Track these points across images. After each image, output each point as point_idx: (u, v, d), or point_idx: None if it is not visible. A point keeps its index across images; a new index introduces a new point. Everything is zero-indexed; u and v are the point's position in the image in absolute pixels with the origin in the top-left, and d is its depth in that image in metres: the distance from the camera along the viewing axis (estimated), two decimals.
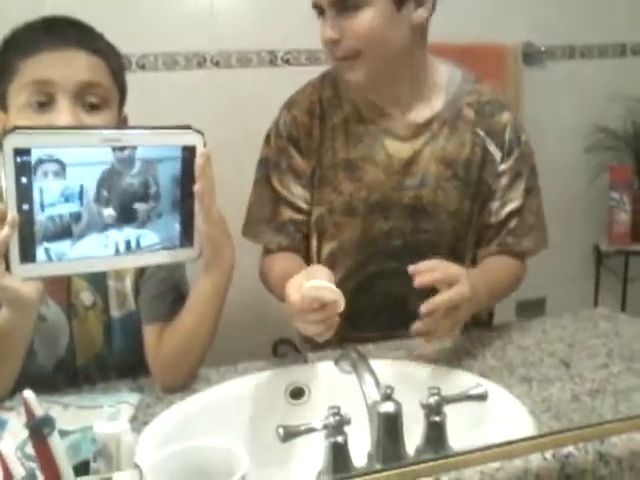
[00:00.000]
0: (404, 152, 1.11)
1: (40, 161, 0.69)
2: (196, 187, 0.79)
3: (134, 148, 0.74)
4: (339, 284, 1.14)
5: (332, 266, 1.10)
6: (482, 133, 1.11)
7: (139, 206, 0.77)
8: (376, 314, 1.12)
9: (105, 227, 0.75)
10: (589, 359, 1.00)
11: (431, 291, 0.90)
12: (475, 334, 1.09)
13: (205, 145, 0.79)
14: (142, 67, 1.89)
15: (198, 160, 0.79)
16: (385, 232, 1.13)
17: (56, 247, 0.72)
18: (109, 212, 0.75)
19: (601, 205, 2.42)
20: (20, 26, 0.94)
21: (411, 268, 0.87)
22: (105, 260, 0.76)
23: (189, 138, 0.78)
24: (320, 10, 1.04)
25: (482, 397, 0.74)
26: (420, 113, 1.12)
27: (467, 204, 1.12)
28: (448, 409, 0.73)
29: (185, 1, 1.94)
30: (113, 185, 0.74)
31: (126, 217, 0.76)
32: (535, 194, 1.15)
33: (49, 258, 0.73)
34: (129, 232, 0.77)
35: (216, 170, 0.82)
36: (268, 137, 1.17)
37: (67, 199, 0.72)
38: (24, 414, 0.57)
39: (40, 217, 0.71)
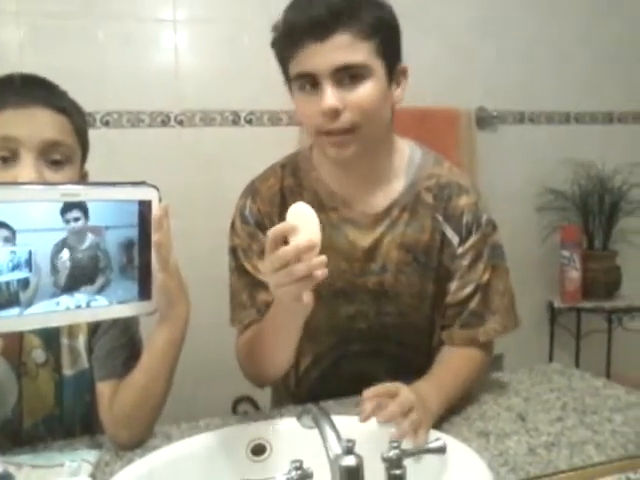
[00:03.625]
0: (365, 240, 1.10)
1: None
2: (154, 238, 0.80)
3: (85, 214, 0.74)
4: (308, 369, 1.14)
5: (301, 352, 1.11)
6: (440, 218, 1.10)
7: (92, 273, 0.76)
8: (342, 394, 1.08)
9: (55, 294, 0.73)
10: (544, 412, 1.02)
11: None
12: None
13: (161, 199, 0.80)
14: (106, 124, 1.92)
15: (155, 213, 0.79)
16: (350, 316, 1.12)
17: (5, 313, 0.70)
18: (60, 279, 0.74)
19: (553, 263, 2.50)
20: None
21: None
22: (60, 315, 0.75)
23: (145, 192, 0.79)
24: (311, 81, 0.99)
25: (441, 450, 0.75)
26: (380, 201, 1.10)
27: (429, 286, 1.12)
28: (408, 462, 0.74)
29: (150, 61, 1.99)
30: (64, 252, 0.74)
31: (78, 283, 0.75)
32: (500, 274, 1.12)
33: (17, 315, 0.71)
34: (80, 297, 0.75)
35: (177, 223, 0.83)
36: (233, 225, 1.15)
37: (16, 266, 0.70)
38: None
39: None
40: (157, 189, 0.80)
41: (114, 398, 0.95)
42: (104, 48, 1.92)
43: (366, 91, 0.98)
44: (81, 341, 1.01)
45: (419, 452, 0.74)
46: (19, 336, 0.97)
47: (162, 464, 0.85)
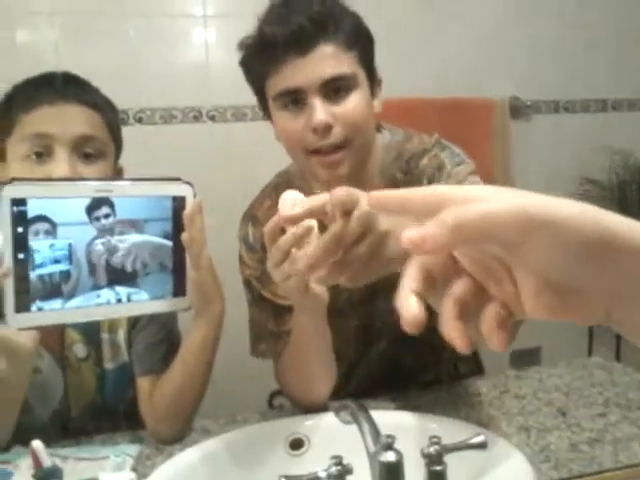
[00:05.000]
0: None
1: (32, 220, 0.70)
2: (185, 236, 0.79)
3: (119, 209, 0.75)
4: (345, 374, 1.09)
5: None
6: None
7: (130, 266, 0.77)
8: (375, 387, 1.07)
9: (95, 287, 0.75)
10: (586, 408, 1.00)
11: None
12: (470, 383, 1.09)
13: (195, 195, 0.81)
14: (139, 121, 1.93)
15: (187, 210, 0.80)
16: (370, 315, 1.09)
17: (48, 305, 0.72)
18: (99, 273, 0.75)
19: None
20: (21, 82, 0.98)
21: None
22: (99, 309, 0.76)
23: (179, 189, 0.80)
24: (294, 97, 0.93)
25: (481, 446, 0.74)
26: None
27: None
28: (449, 458, 0.73)
29: (182, 57, 2.00)
30: (101, 246, 0.75)
31: (115, 278, 0.76)
32: None
33: (61, 308, 0.73)
34: (120, 290, 0.77)
35: (209, 219, 0.83)
36: (241, 257, 1.09)
37: (57, 259, 0.72)
38: (27, 465, 0.57)
39: (32, 276, 0.71)
40: (191, 185, 0.80)
41: (153, 393, 0.96)
42: (136, 45, 1.93)
43: (355, 103, 0.93)
44: (121, 335, 1.02)
45: (460, 448, 0.73)
46: (60, 331, 0.99)
47: (201, 458, 0.86)
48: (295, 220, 0.70)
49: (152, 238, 0.78)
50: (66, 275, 0.73)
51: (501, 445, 0.84)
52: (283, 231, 0.76)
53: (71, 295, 0.74)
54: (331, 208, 0.65)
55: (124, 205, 0.76)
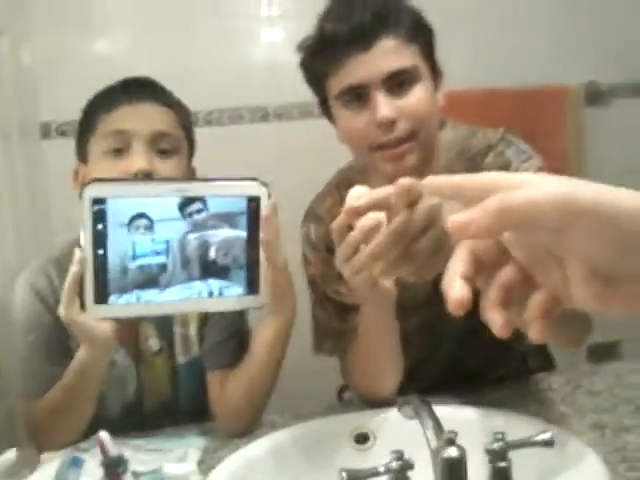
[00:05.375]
0: None
1: (133, 217, 0.75)
2: (261, 236, 0.81)
3: (205, 203, 0.78)
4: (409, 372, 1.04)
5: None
6: None
7: (217, 259, 0.80)
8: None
9: (189, 279, 0.79)
10: None
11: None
12: (542, 378, 1.06)
13: (270, 196, 0.82)
14: (208, 123, 1.98)
15: (263, 210, 0.81)
16: (435, 317, 1.04)
17: (145, 295, 0.77)
18: (192, 264, 0.79)
19: None
20: (102, 88, 1.05)
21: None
22: (172, 305, 0.80)
23: (254, 189, 0.81)
24: (356, 94, 0.93)
25: (548, 443, 0.72)
26: None
27: None
28: (515, 456, 0.71)
29: (248, 57, 2.04)
30: (192, 242, 0.79)
31: (207, 270, 0.80)
32: None
33: (137, 302, 0.77)
34: (213, 283, 0.80)
35: (280, 219, 0.83)
36: (305, 256, 1.09)
37: (155, 252, 0.77)
38: (99, 454, 0.60)
39: (132, 266, 0.76)
40: (266, 186, 0.81)
41: (223, 388, 0.98)
42: (203, 48, 1.98)
43: (419, 96, 0.93)
44: (193, 330, 1.06)
45: (525, 444, 0.71)
46: (135, 326, 1.04)
47: (267, 451, 0.88)
48: (360, 212, 0.69)
49: (233, 235, 0.81)
50: (162, 267, 0.77)
51: (572, 443, 0.81)
52: (351, 228, 0.76)
53: (167, 285, 0.78)
54: (395, 200, 0.65)
55: (215, 201, 0.79)
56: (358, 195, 0.73)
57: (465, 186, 0.36)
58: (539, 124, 1.86)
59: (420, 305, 1.04)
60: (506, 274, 0.37)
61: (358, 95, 0.93)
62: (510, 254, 0.37)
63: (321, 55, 0.94)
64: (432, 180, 0.39)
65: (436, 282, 1.01)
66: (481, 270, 0.38)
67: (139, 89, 1.03)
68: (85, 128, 1.02)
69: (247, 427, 0.97)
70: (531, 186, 0.33)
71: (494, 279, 0.37)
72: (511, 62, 2.10)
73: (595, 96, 2.23)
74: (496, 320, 0.35)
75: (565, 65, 2.18)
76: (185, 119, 1.06)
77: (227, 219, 0.80)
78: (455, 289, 0.36)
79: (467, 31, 2.04)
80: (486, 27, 2.09)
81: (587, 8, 2.21)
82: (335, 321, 1.05)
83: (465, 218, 0.33)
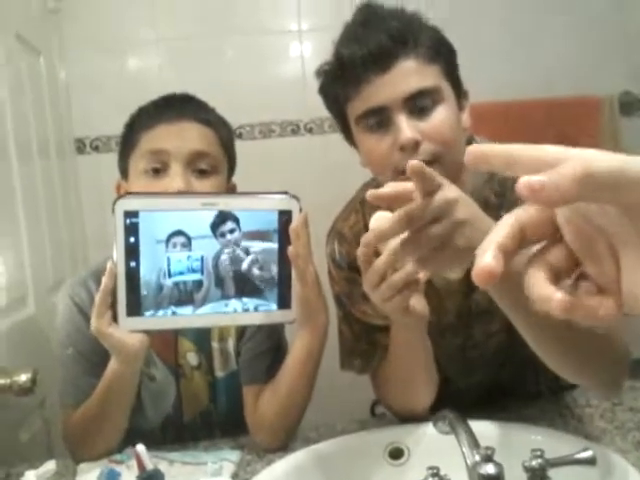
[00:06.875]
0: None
1: (171, 235, 0.76)
2: (290, 250, 0.80)
3: (237, 222, 0.79)
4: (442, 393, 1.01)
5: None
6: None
7: (251, 276, 0.81)
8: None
9: (224, 296, 0.80)
10: None
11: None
12: (579, 394, 1.04)
13: (301, 210, 0.82)
14: (239, 136, 2.00)
15: (293, 224, 0.81)
16: (460, 346, 1.05)
17: (180, 311, 0.78)
18: (226, 282, 0.80)
19: None
20: (144, 105, 1.05)
21: None
22: (203, 317, 0.80)
23: (286, 203, 0.81)
24: (378, 118, 0.90)
25: (590, 461, 0.70)
26: None
27: None
28: (555, 474, 0.69)
29: (278, 72, 2.06)
30: (226, 259, 0.80)
31: (240, 287, 0.80)
32: None
33: (165, 315, 0.78)
34: (247, 301, 0.81)
35: (311, 233, 0.83)
36: (330, 273, 1.07)
37: (192, 269, 0.78)
38: (135, 467, 0.60)
39: (167, 283, 0.78)
40: (297, 200, 0.81)
41: (257, 403, 0.98)
42: (233, 63, 2.01)
43: (442, 117, 0.90)
44: (230, 344, 1.06)
45: (566, 462, 0.70)
46: (174, 341, 1.05)
47: (301, 466, 0.87)
48: (383, 237, 0.69)
49: (265, 251, 0.81)
50: (198, 284, 0.78)
51: (616, 462, 0.79)
52: (377, 253, 0.75)
53: (201, 303, 0.79)
54: (413, 185, 0.66)
55: (247, 218, 0.79)
56: (380, 222, 0.71)
57: (521, 157, 0.33)
58: (573, 134, 1.83)
59: (454, 326, 1.03)
60: (555, 254, 0.34)
61: (379, 119, 0.90)
62: (560, 236, 0.34)
63: (340, 80, 0.92)
64: (479, 149, 0.35)
65: (469, 305, 0.99)
66: (522, 244, 0.34)
67: (179, 106, 1.03)
68: (126, 144, 1.03)
69: (281, 441, 0.96)
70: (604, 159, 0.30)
71: (540, 257, 0.34)
72: (545, 73, 2.08)
73: (630, 106, 2.20)
74: (552, 296, 0.32)
75: (599, 75, 2.16)
76: (225, 137, 1.05)
77: (259, 235, 0.80)
78: (486, 257, 0.32)
79: (499, 43, 2.04)
80: (519, 38, 2.08)
81: (620, 18, 2.19)
82: (363, 342, 1.03)
83: (540, 180, 0.29)
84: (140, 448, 0.58)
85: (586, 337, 0.75)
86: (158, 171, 0.97)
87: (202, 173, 0.98)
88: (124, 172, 1.03)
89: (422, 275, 0.76)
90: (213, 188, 0.99)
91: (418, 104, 0.89)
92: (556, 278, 0.34)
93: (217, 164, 1.01)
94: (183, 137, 0.98)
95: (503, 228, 0.34)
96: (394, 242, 0.71)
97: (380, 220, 0.72)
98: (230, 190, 1.06)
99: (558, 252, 0.35)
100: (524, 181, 0.30)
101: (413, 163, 0.64)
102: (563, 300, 0.32)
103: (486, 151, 0.35)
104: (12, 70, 1.42)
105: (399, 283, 0.74)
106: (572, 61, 2.11)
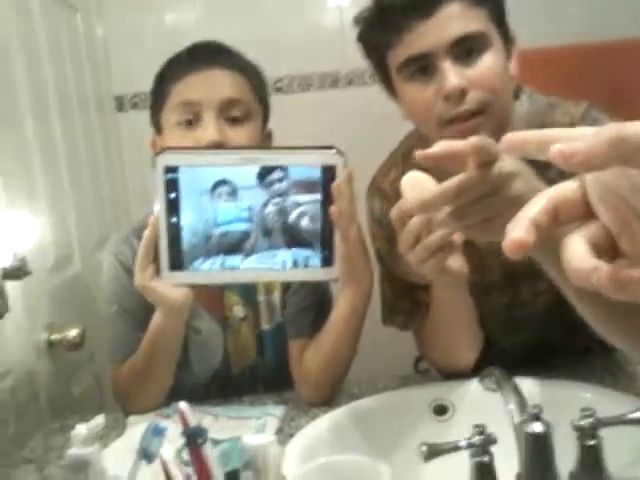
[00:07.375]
0: None
1: (216, 184, 0.75)
2: (333, 207, 0.78)
3: (286, 171, 0.77)
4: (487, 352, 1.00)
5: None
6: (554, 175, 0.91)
7: (298, 228, 0.79)
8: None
9: (271, 246, 0.78)
10: None
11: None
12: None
13: (346, 165, 0.78)
14: (278, 90, 1.97)
15: (336, 180, 0.78)
16: (507, 305, 1.03)
17: (229, 261, 0.78)
18: (274, 233, 0.78)
19: None
20: (171, 56, 1.03)
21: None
22: (245, 273, 0.79)
23: (331, 158, 0.78)
24: (421, 65, 0.87)
25: None
26: None
27: None
28: (606, 433, 0.67)
29: (316, 23, 2.01)
30: (275, 207, 0.78)
31: (289, 238, 0.79)
32: None
33: (219, 268, 0.78)
34: (296, 252, 0.79)
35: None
36: (370, 229, 1.05)
37: (239, 219, 0.77)
38: (178, 423, 0.61)
39: (215, 232, 0.77)
40: (343, 154, 0.78)
41: (303, 357, 0.99)
42: (271, 15, 1.96)
43: (489, 63, 0.85)
44: (276, 297, 1.06)
45: (617, 422, 0.68)
46: (220, 294, 1.05)
47: (345, 421, 0.88)
48: (430, 207, 0.66)
49: (312, 204, 0.78)
50: (246, 234, 0.78)
51: None
52: (411, 215, 0.71)
53: (249, 253, 0.78)
54: (467, 156, 0.61)
55: (295, 168, 0.77)
56: (417, 184, 0.69)
57: (558, 140, 0.33)
58: (625, 78, 1.75)
59: (500, 285, 1.01)
60: (592, 230, 0.35)
61: (423, 66, 0.86)
62: (594, 214, 0.35)
63: (380, 26, 0.88)
64: (514, 136, 0.36)
65: (513, 264, 0.96)
66: (555, 221, 0.35)
67: (206, 55, 1.01)
68: (157, 99, 1.02)
69: (326, 396, 0.97)
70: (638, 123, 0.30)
71: (578, 231, 0.34)
72: (596, 16, 1.98)
73: None
74: (593, 267, 0.32)
75: None
76: (257, 82, 1.03)
77: (307, 187, 0.78)
78: (518, 229, 0.33)
79: None
80: None
81: None
82: (405, 299, 1.02)
83: (572, 146, 0.30)
84: (183, 405, 0.58)
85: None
86: (191, 122, 0.96)
87: (235, 121, 0.97)
88: (157, 126, 1.02)
89: (458, 237, 0.72)
90: (248, 135, 0.97)
91: (464, 50, 0.85)
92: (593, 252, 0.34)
93: (250, 111, 0.99)
94: (213, 85, 0.97)
95: (537, 203, 0.35)
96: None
97: (416, 185, 0.69)
98: (266, 137, 1.05)
99: (595, 227, 0.35)
100: (554, 148, 0.31)
101: (474, 141, 0.60)
102: (608, 274, 0.31)
103: (522, 137, 0.36)
104: (50, 28, 1.41)
105: (433, 245, 0.71)
106: (624, 2, 2.00)
